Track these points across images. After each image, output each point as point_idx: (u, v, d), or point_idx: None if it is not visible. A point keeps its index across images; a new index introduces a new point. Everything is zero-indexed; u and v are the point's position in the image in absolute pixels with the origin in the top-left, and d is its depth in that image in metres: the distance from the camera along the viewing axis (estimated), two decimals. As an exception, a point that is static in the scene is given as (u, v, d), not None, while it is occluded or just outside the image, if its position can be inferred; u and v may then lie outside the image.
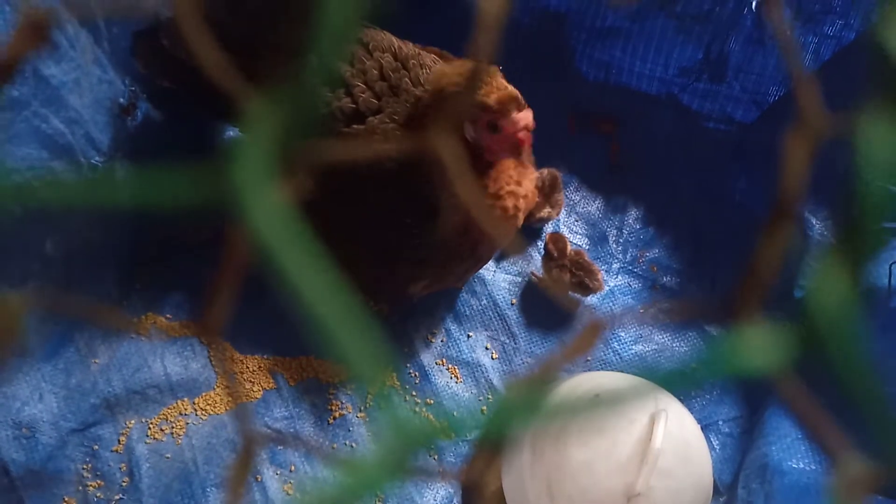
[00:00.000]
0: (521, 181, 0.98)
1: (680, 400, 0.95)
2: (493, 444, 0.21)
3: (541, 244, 1.15)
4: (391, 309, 1.11)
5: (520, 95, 0.87)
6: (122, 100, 0.98)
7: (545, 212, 1.15)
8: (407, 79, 0.94)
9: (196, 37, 0.23)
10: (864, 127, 0.18)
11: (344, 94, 0.93)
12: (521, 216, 1.00)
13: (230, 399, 1.03)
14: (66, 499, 0.95)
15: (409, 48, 0.99)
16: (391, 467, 0.19)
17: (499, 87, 0.86)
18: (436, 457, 1.03)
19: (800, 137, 0.20)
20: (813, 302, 0.18)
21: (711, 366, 0.19)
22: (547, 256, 1.12)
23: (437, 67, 0.89)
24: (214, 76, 0.23)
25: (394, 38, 0.99)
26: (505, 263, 1.17)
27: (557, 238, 1.12)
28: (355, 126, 0.92)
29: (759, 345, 0.18)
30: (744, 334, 0.19)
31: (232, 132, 1.14)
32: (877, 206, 0.18)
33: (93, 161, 0.93)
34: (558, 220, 1.20)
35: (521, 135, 0.85)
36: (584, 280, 1.08)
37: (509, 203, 0.96)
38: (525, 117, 0.86)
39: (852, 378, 0.18)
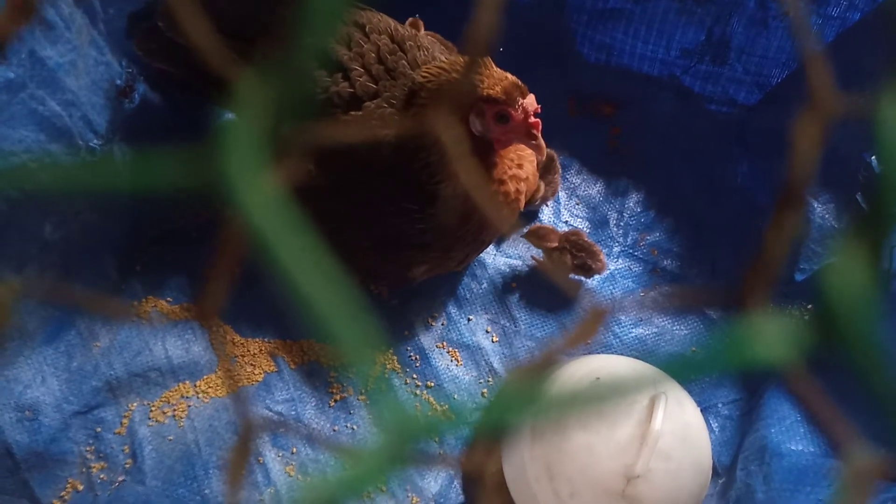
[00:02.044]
0: (521, 164, 0.97)
1: (680, 383, 0.95)
2: (493, 430, 0.21)
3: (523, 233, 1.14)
4: (391, 292, 1.11)
5: (520, 81, 0.86)
6: (119, 82, 0.97)
7: (540, 190, 1.14)
8: (404, 61, 0.93)
9: (190, 18, 0.22)
10: (884, 107, 0.18)
11: (342, 79, 0.93)
12: (523, 199, 0.99)
13: (230, 382, 1.04)
14: (70, 480, 0.95)
15: (406, 30, 0.98)
16: (392, 457, 0.19)
17: (499, 77, 0.85)
18: (437, 439, 1.04)
19: (810, 119, 0.20)
20: (830, 285, 0.18)
21: (722, 357, 0.19)
22: (541, 249, 1.11)
23: (434, 64, 0.88)
24: (208, 58, 0.22)
25: (391, 20, 0.98)
26: (505, 247, 1.16)
27: (536, 232, 1.10)
28: (353, 113, 0.92)
29: (772, 336, 0.18)
30: (754, 326, 0.18)
31: (229, 115, 1.13)
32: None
33: (91, 144, 0.92)
34: (558, 204, 1.19)
35: (534, 120, 0.84)
36: (586, 261, 1.08)
37: (511, 187, 0.96)
38: (531, 102, 0.85)
39: (868, 363, 0.18)
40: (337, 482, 0.18)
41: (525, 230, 1.12)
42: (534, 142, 0.86)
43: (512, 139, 0.88)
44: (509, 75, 0.86)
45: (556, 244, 1.08)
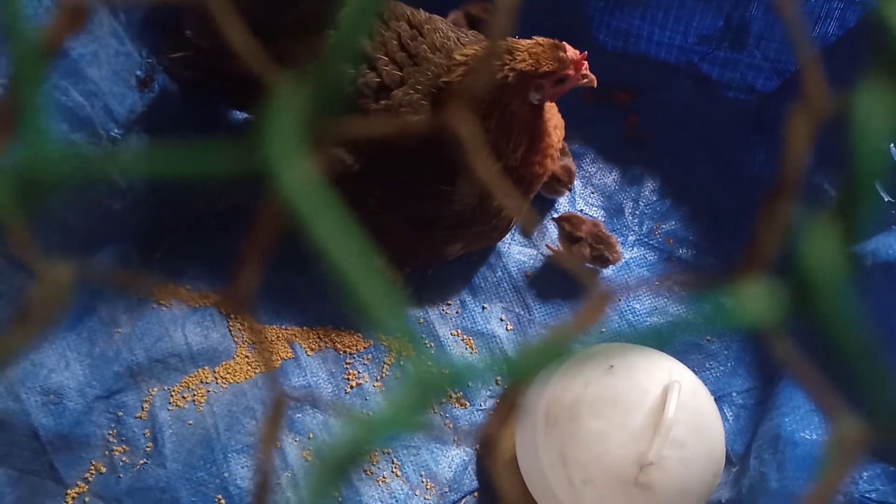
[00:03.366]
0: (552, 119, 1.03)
1: (694, 371, 0.95)
2: (507, 408, 0.22)
3: (555, 216, 1.15)
4: (406, 280, 1.12)
5: (542, 38, 0.89)
6: (139, 72, 0.99)
7: (572, 170, 1.15)
8: (424, 45, 0.94)
9: (227, 20, 0.23)
10: (861, 94, 0.18)
11: (367, 69, 0.94)
12: (557, 154, 1.06)
13: (250, 368, 1.05)
14: (94, 463, 0.98)
15: (421, 14, 0.99)
16: (419, 404, 0.19)
17: (532, 48, 0.87)
18: (451, 425, 1.05)
19: (802, 117, 0.20)
20: (804, 264, 0.18)
21: (708, 318, 0.19)
22: (564, 236, 1.11)
23: (464, 51, 0.90)
24: (244, 59, 0.23)
25: (405, 6, 0.99)
26: (520, 236, 1.17)
27: (570, 218, 1.11)
28: (383, 101, 0.93)
29: (754, 298, 0.19)
30: (740, 289, 0.19)
31: (245, 115, 1.14)
32: (870, 172, 0.18)
33: (112, 133, 0.93)
34: (573, 192, 1.19)
35: (584, 63, 0.90)
36: (603, 253, 1.08)
37: (549, 164, 1.01)
38: (572, 52, 0.89)
39: (843, 338, 0.18)
40: (366, 425, 0.18)
41: (556, 216, 1.13)
42: (586, 80, 0.92)
43: (565, 89, 0.93)
44: (538, 39, 0.89)
45: (583, 233, 1.09)
